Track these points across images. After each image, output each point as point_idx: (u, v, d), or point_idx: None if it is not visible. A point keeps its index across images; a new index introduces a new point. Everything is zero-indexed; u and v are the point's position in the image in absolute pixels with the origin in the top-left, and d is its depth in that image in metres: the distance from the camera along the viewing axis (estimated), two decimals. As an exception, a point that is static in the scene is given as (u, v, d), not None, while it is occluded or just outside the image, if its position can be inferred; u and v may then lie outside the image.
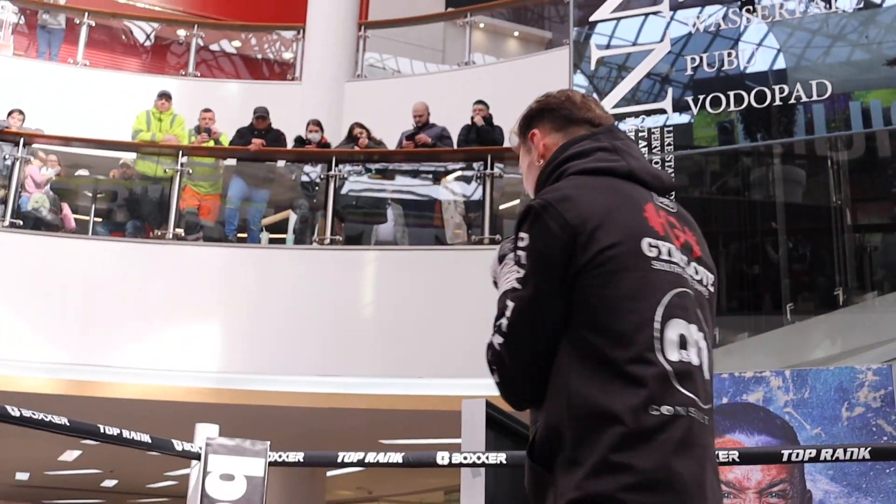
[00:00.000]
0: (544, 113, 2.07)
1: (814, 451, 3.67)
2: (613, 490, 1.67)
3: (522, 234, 1.83)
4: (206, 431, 4.23)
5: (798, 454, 3.70)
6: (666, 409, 1.72)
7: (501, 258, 1.97)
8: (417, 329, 8.93)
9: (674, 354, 1.77)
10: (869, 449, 3.70)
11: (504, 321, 1.83)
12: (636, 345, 1.75)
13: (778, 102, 6.41)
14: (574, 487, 1.71)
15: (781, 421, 4.69)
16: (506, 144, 9.87)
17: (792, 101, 6.36)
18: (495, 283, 2.01)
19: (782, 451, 3.70)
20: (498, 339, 1.84)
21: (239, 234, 10.01)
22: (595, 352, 1.75)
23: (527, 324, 1.81)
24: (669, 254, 1.83)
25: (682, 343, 1.79)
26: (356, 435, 10.20)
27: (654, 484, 1.68)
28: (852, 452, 3.64)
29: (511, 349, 1.83)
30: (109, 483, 17.35)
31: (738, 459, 3.84)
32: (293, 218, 10.28)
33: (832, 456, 3.65)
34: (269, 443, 4.27)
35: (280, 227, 10.53)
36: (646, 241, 1.81)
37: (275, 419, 9.40)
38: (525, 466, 1.89)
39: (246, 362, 8.98)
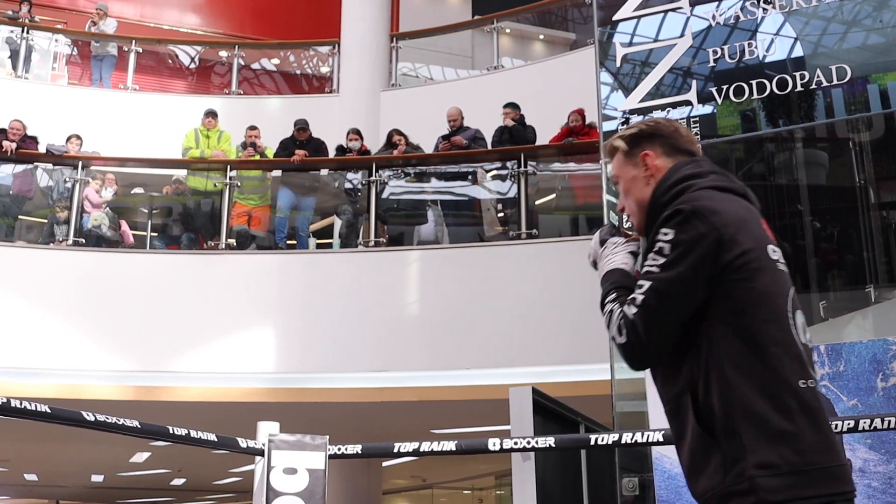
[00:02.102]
0: (655, 137, 2.30)
1: (852, 422, 3.62)
2: (781, 457, 1.90)
3: (667, 230, 2.06)
4: (267, 428, 4.26)
5: (836, 425, 3.65)
6: (810, 382, 2.01)
7: (602, 242, 2.29)
8: (462, 323, 8.94)
9: (803, 337, 2.06)
10: (905, 417, 3.65)
11: (640, 296, 2.04)
12: (781, 330, 2.03)
13: (799, 89, 6.34)
14: (745, 453, 1.92)
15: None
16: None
17: (812, 86, 6.29)
18: (594, 264, 2.30)
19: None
20: (632, 310, 2.04)
21: (289, 242, 10.06)
22: (746, 334, 1.99)
23: (663, 300, 2.02)
24: (780, 258, 2.13)
25: (804, 329, 2.09)
26: (409, 426, 10.23)
27: (817, 447, 1.93)
28: (889, 421, 3.59)
29: (646, 319, 2.02)
30: (178, 481, 17.55)
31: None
32: (338, 223, 10.33)
33: (870, 426, 3.60)
34: (328, 437, 4.29)
35: (327, 232, 10.58)
36: (769, 247, 2.10)
37: (331, 414, 9.46)
38: (686, 430, 2.05)
39: (301, 362, 9.04)
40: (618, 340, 2.05)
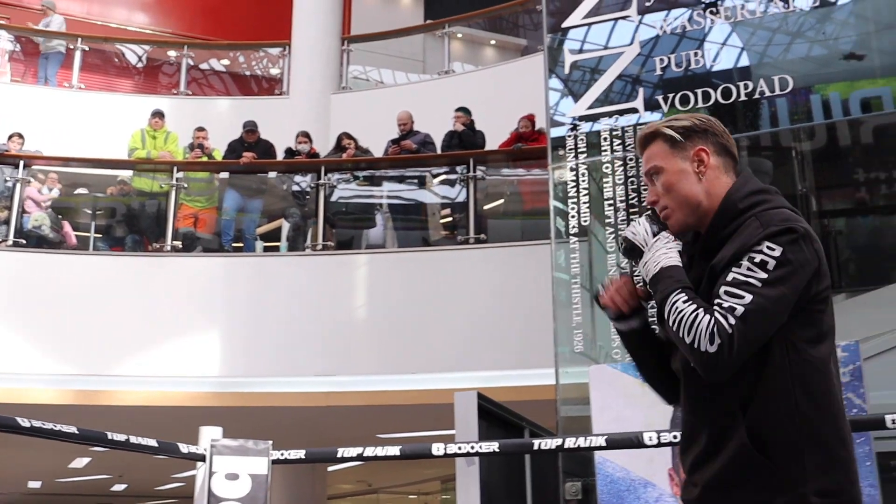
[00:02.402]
0: (709, 134, 2.22)
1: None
2: (839, 484, 1.98)
3: (774, 245, 2.01)
4: (210, 434, 4.22)
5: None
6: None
7: (655, 233, 2.18)
8: (409, 327, 8.92)
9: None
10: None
11: (740, 308, 1.96)
12: (836, 363, 2.10)
13: (743, 98, 6.43)
14: (806, 478, 1.96)
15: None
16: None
17: (756, 96, 6.37)
18: (631, 250, 2.19)
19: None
20: (730, 320, 1.96)
21: (235, 244, 9.97)
22: (820, 363, 2.04)
23: (764, 318, 1.97)
24: None
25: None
26: (355, 431, 10.19)
27: (858, 475, 2.04)
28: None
29: (742, 332, 1.95)
30: (119, 487, 17.29)
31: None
32: (286, 226, 10.26)
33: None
34: (271, 442, 4.26)
35: (274, 235, 10.51)
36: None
37: (276, 419, 9.38)
38: (727, 443, 2.03)
39: (246, 366, 8.95)
40: (707, 349, 1.95)
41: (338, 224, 9.92)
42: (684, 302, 2.02)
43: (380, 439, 10.14)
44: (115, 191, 10.40)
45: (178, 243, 9.49)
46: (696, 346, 1.96)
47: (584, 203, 6.54)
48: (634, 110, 6.76)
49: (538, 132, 9.76)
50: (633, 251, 2.17)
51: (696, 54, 6.68)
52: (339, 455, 4.24)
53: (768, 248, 2.00)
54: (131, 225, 10.16)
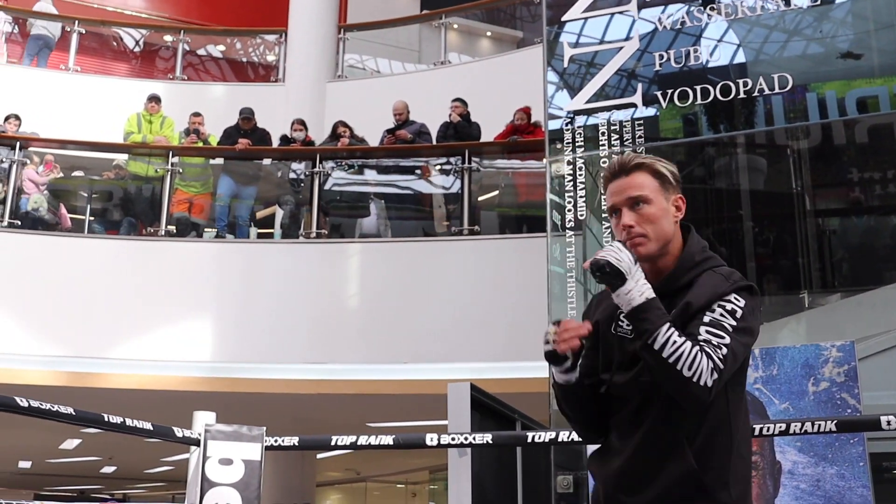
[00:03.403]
0: (680, 187, 2.36)
1: (783, 426, 3.67)
2: None
3: (740, 298, 2.19)
4: (204, 418, 4.20)
5: (769, 428, 3.70)
6: None
7: (636, 262, 2.19)
8: (401, 317, 8.92)
9: None
10: (835, 421, 3.71)
11: (725, 348, 2.13)
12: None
13: (742, 95, 6.42)
14: None
15: (752, 397, 4.70)
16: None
17: (755, 94, 6.37)
18: (616, 275, 2.15)
19: (753, 426, 3.70)
20: (721, 355, 2.12)
21: (229, 231, 9.94)
22: (740, 401, 2.25)
23: (734, 360, 2.15)
24: None
25: None
26: (345, 419, 10.20)
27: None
28: (819, 425, 3.65)
29: (723, 371, 2.12)
30: (108, 469, 17.29)
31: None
32: (280, 213, 10.24)
33: (801, 429, 3.65)
34: (265, 428, 4.25)
35: (268, 222, 10.49)
36: None
37: (268, 406, 9.38)
38: (666, 465, 2.18)
39: (238, 351, 8.94)
40: (707, 382, 2.08)
41: (332, 212, 9.90)
42: (679, 336, 2.10)
43: (370, 428, 10.14)
44: (110, 175, 10.37)
45: (173, 228, 9.47)
46: (695, 379, 2.07)
47: (581, 197, 6.53)
48: (632, 105, 6.75)
49: (534, 125, 9.74)
50: (615, 276, 2.14)
51: (694, 50, 6.68)
52: (332, 443, 4.23)
53: (736, 298, 2.18)
54: (126, 209, 10.13)
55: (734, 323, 2.15)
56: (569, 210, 6.52)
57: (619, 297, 2.15)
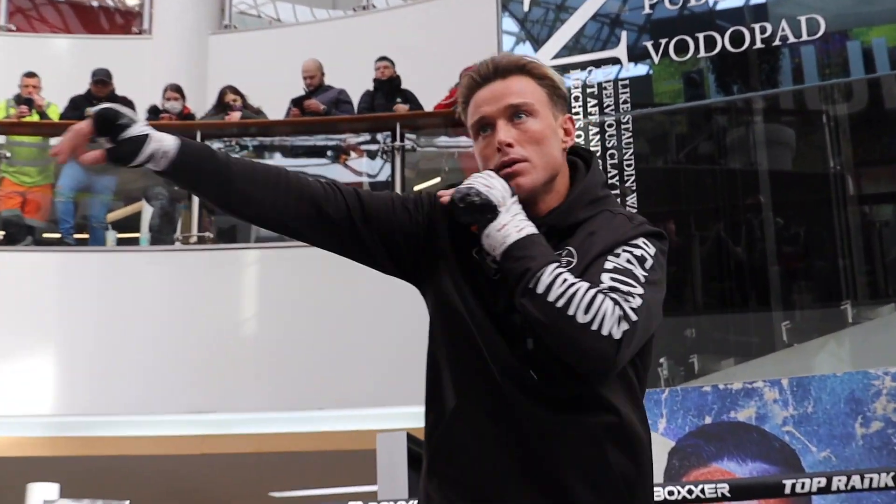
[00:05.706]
0: (567, 105, 2.36)
1: (823, 480, 3.69)
2: None
3: (649, 244, 2.19)
4: (42, 492, 4.17)
5: (804, 484, 3.71)
6: None
7: (513, 193, 2.19)
8: (315, 348, 8.89)
9: None
10: (892, 474, 3.74)
11: (637, 298, 2.09)
12: None
13: (759, 45, 6.48)
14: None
15: (780, 443, 4.74)
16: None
17: (777, 42, 6.43)
18: (484, 207, 2.15)
19: (784, 482, 3.71)
20: (633, 305, 2.07)
21: (77, 235, 9.88)
22: (644, 387, 2.29)
23: (649, 316, 2.11)
24: None
25: None
26: (241, 487, 10.15)
27: None
28: (871, 479, 3.67)
29: (640, 323, 2.08)
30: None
31: (728, 494, 3.84)
32: (148, 211, 10.17)
33: (846, 485, 3.67)
34: (127, 502, 4.22)
35: (132, 223, 10.39)
36: None
37: (133, 472, 9.31)
38: (600, 462, 2.16)
39: (92, 401, 8.86)
40: (613, 332, 2.03)
41: (219, 210, 9.84)
42: (574, 278, 2.08)
43: (274, 499, 10.09)
44: None
45: (0, 232, 9.35)
46: (594, 328, 2.01)
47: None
48: (615, 60, 6.80)
49: (487, 89, 9.77)
50: (484, 209, 2.15)
51: (697, -13, 6.74)
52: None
53: (645, 244, 2.18)
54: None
55: (645, 273, 2.13)
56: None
57: (489, 238, 2.15)
